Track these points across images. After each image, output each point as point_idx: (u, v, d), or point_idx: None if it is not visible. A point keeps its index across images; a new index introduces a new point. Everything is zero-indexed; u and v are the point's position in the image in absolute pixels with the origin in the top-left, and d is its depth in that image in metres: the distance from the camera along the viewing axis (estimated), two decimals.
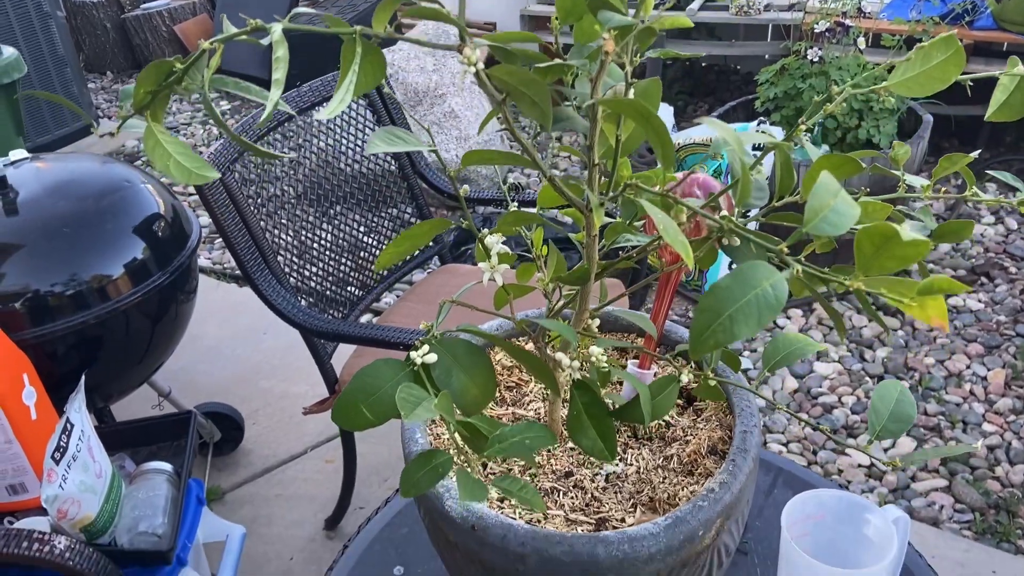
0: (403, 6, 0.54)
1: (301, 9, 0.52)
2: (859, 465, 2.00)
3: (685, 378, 0.60)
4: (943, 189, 0.65)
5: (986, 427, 2.08)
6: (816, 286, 0.41)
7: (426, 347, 0.59)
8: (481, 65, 0.51)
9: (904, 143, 0.64)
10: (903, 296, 0.34)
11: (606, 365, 0.55)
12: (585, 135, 0.55)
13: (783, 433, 2.12)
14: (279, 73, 0.46)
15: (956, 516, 1.85)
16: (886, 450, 2.03)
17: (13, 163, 1.52)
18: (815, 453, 2.06)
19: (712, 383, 0.63)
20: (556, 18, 0.61)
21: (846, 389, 2.23)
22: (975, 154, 0.62)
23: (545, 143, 3.66)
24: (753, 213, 0.63)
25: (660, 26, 0.58)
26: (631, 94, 0.54)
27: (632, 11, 0.54)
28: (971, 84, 0.52)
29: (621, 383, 0.85)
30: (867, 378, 2.26)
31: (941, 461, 1.99)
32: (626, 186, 0.50)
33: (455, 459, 0.55)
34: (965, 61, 0.48)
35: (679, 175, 0.67)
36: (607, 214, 0.67)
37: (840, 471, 1.99)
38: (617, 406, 0.65)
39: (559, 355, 0.56)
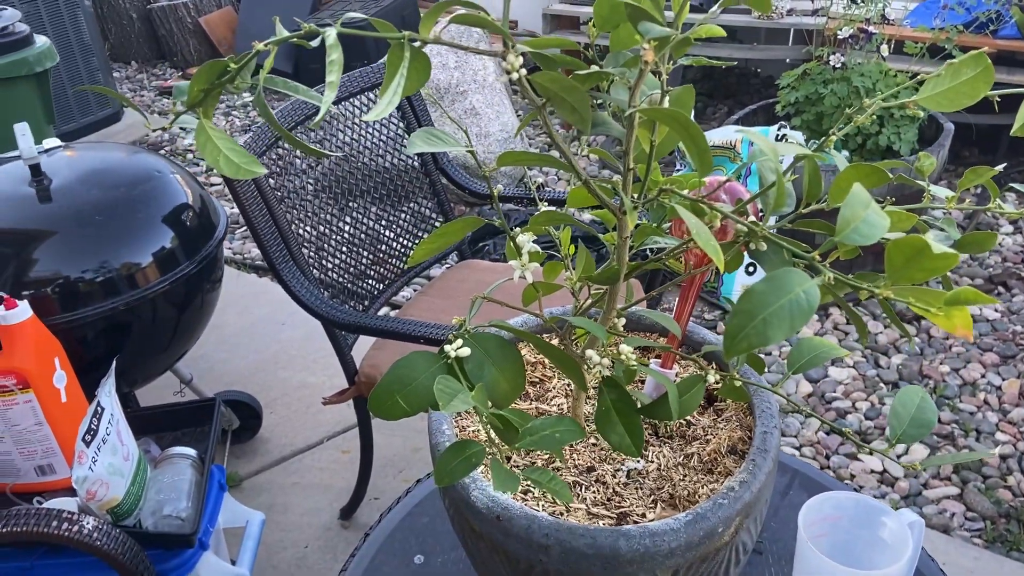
0: (446, 13, 0.55)
1: (355, 15, 0.54)
2: (872, 471, 2.01)
3: (712, 378, 0.62)
4: (966, 199, 0.67)
5: (999, 436, 2.08)
6: (840, 292, 0.43)
7: (460, 341, 0.61)
8: (524, 71, 0.53)
9: (927, 152, 0.65)
10: (930, 305, 0.35)
11: (636, 363, 0.57)
12: (620, 140, 0.57)
13: (796, 437, 2.13)
14: (333, 75, 0.48)
15: (967, 524, 1.86)
16: (899, 457, 2.04)
17: (47, 151, 1.55)
18: (828, 458, 2.07)
19: (738, 384, 0.65)
20: (593, 24, 0.63)
21: (860, 395, 2.24)
22: (1000, 167, 0.63)
23: (571, 144, 3.68)
24: (774, 220, 0.65)
25: (696, 35, 0.60)
26: (666, 102, 0.55)
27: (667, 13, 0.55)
28: (999, 100, 0.54)
29: (643, 381, 0.86)
30: (881, 384, 2.27)
31: (954, 469, 2.00)
32: (661, 191, 0.52)
33: (488, 450, 0.57)
34: (994, 77, 0.50)
35: (707, 179, 0.68)
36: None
37: (852, 476, 2.00)
38: (641, 404, 0.67)
39: (589, 352, 0.58)
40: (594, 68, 0.54)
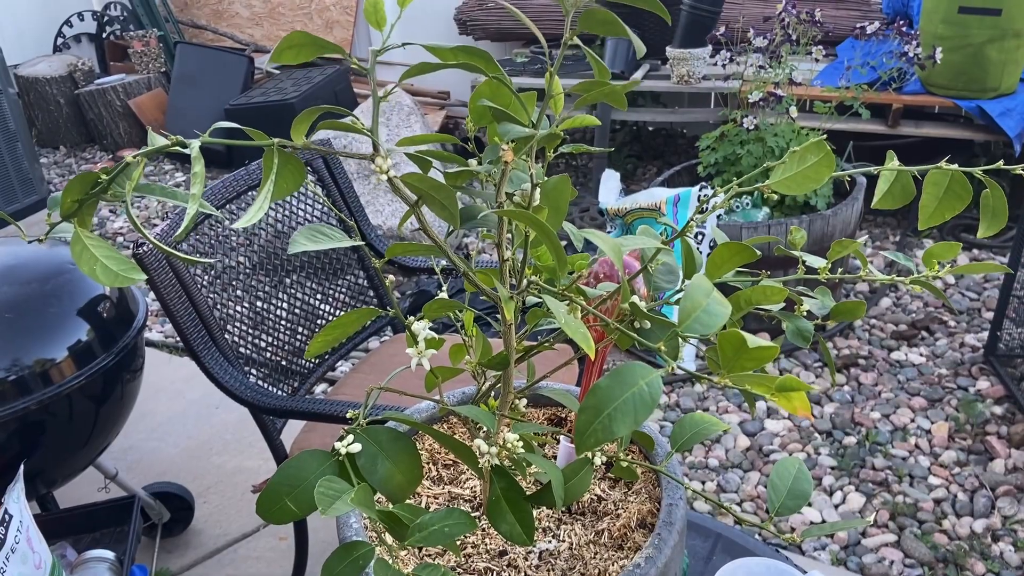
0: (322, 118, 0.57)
1: (223, 124, 0.55)
2: (811, 523, 2.03)
3: (598, 460, 0.62)
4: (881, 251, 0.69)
5: (932, 480, 2.12)
6: (696, 379, 0.44)
7: (350, 437, 0.61)
8: (393, 172, 0.55)
9: (799, 229, 0.68)
10: (765, 391, 0.37)
11: (522, 451, 0.58)
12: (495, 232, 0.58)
13: (736, 492, 2.14)
14: (196, 187, 0.49)
15: (906, 571, 1.88)
16: (837, 506, 2.06)
17: None
18: (768, 512, 2.08)
19: (624, 464, 0.66)
20: (469, 120, 0.65)
21: (796, 446, 2.27)
22: (861, 240, 0.66)
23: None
24: (669, 295, 0.67)
25: (567, 126, 0.62)
26: (537, 194, 0.57)
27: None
28: (850, 180, 0.57)
29: (555, 457, 0.87)
30: (816, 434, 2.31)
31: (890, 516, 2.03)
32: (529, 283, 0.53)
33: (378, 550, 0.57)
34: (834, 164, 0.53)
35: (593, 258, 0.70)
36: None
37: (792, 528, 2.02)
38: (541, 485, 0.67)
39: (477, 442, 0.59)
40: (464, 168, 0.56)
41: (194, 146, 0.50)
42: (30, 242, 0.57)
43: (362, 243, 0.67)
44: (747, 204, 2.59)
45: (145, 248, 1.42)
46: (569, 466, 0.62)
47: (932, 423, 2.32)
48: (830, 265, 0.68)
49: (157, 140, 0.57)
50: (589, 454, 0.61)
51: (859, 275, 0.67)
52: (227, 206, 1.70)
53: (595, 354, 0.81)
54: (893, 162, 0.61)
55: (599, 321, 0.57)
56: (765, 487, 2.16)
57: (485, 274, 0.61)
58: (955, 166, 0.61)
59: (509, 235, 0.62)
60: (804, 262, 0.69)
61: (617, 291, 0.61)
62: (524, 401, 0.74)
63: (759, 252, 0.60)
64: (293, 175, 0.55)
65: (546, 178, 0.62)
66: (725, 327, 0.44)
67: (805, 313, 0.65)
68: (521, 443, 0.57)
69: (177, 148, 0.56)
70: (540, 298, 0.52)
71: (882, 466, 2.17)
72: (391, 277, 0.70)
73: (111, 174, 0.56)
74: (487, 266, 1.86)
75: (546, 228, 0.46)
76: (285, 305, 1.76)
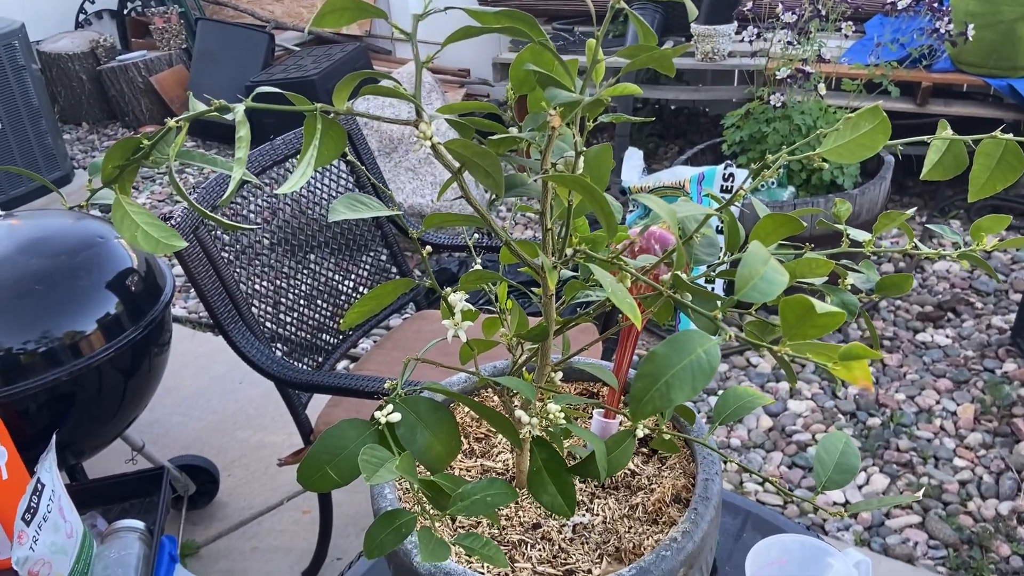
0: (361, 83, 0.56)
1: (266, 88, 0.54)
2: (835, 503, 2.02)
3: (641, 432, 0.62)
4: (884, 241, 0.68)
5: (957, 462, 2.10)
6: (753, 346, 0.43)
7: (390, 407, 0.61)
8: (437, 139, 0.54)
9: (844, 201, 0.67)
10: (827, 360, 0.36)
11: (563, 422, 0.57)
12: (539, 201, 0.57)
13: (759, 472, 2.13)
14: (241, 152, 0.48)
15: (930, 552, 1.87)
16: (860, 487, 2.05)
17: None
18: (791, 491, 2.08)
19: (667, 437, 0.65)
20: (510, 88, 0.64)
21: (819, 427, 2.26)
22: (911, 211, 0.65)
23: (513, 202, 3.71)
24: (710, 268, 0.66)
25: (610, 94, 0.61)
26: (581, 161, 0.56)
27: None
28: (901, 149, 0.55)
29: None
30: (840, 415, 2.29)
31: None
32: (576, 251, 0.53)
33: (420, 516, 0.57)
34: (890, 129, 0.51)
35: (633, 232, 0.69)
36: (574, 268, 0.69)
37: (816, 509, 2.01)
38: (580, 458, 0.67)
39: (519, 412, 0.58)
40: (508, 134, 0.55)
41: (238, 110, 0.49)
42: (71, 208, 0.56)
43: (398, 213, 0.66)
44: (772, 183, 2.56)
45: (174, 221, 1.42)
46: (611, 438, 0.61)
47: (958, 405, 2.30)
48: (876, 238, 0.67)
49: (198, 106, 0.56)
50: (633, 425, 0.61)
51: (906, 248, 0.66)
52: (245, 186, 1.70)
53: (631, 330, 0.81)
54: (946, 131, 0.60)
55: (638, 294, 0.57)
56: (788, 467, 2.15)
57: (527, 244, 0.60)
58: (1010, 135, 0.59)
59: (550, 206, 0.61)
60: (848, 235, 0.68)
61: (659, 263, 0.61)
62: (560, 374, 0.74)
63: (804, 223, 0.59)
64: (335, 141, 0.55)
65: (586, 148, 0.61)
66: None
67: (850, 287, 0.64)
68: (563, 414, 0.57)
69: (214, 117, 0.56)
70: (587, 266, 0.52)
71: (907, 448, 2.16)
72: (427, 248, 0.70)
73: (152, 140, 0.55)
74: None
75: (596, 192, 0.45)
76: (308, 282, 1.76)
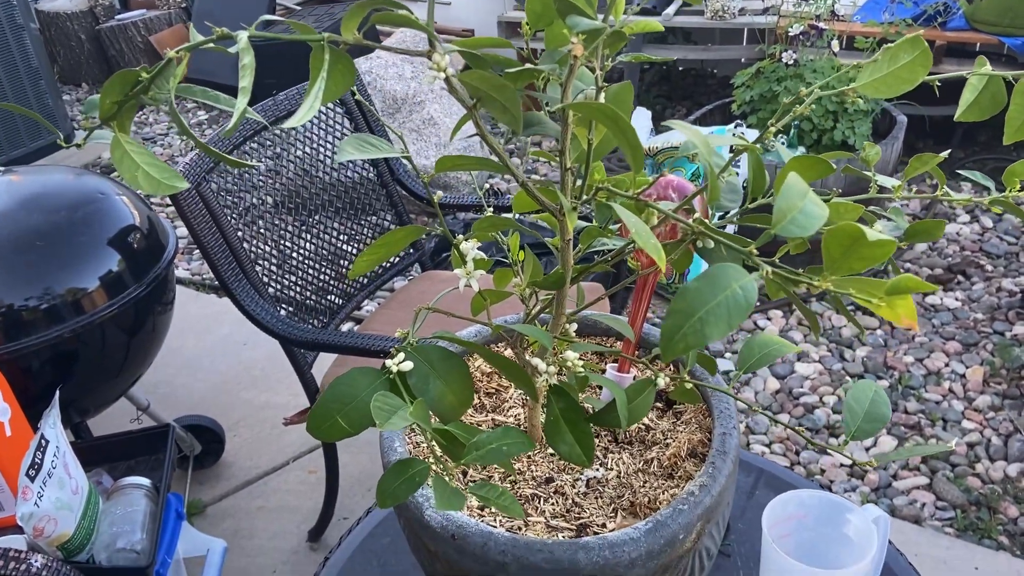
0: (373, 11, 0.53)
1: (271, 17, 0.51)
2: (841, 465, 2.01)
3: (662, 382, 0.60)
4: (915, 189, 0.66)
5: (965, 424, 2.09)
6: (788, 287, 0.41)
7: (401, 355, 0.59)
8: (451, 70, 0.51)
9: (876, 144, 0.64)
10: (872, 296, 0.34)
11: (582, 370, 0.55)
12: (557, 139, 0.55)
13: (766, 434, 2.13)
14: (246, 80, 0.46)
15: (938, 513, 1.86)
16: (868, 449, 2.04)
17: None
18: (797, 453, 2.07)
19: (689, 386, 0.63)
20: (527, 23, 0.61)
21: (827, 389, 2.24)
22: (945, 154, 0.62)
23: (523, 148, 3.67)
24: (731, 215, 0.63)
25: (631, 31, 0.58)
26: (602, 98, 0.54)
27: (602, 15, 0.54)
28: (939, 84, 0.53)
29: (600, 387, 0.84)
30: (847, 377, 2.28)
31: (922, 459, 2.01)
32: (598, 190, 0.50)
33: (433, 467, 0.55)
34: (932, 61, 0.49)
35: (652, 177, 0.67)
36: (583, 218, 0.67)
37: (823, 471, 2.00)
38: (595, 410, 0.65)
39: (535, 360, 0.56)
40: (526, 66, 0.52)
41: (242, 37, 0.47)
42: (67, 147, 0.54)
43: (407, 155, 0.63)
44: (783, 142, 2.52)
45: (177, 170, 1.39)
46: (632, 386, 0.59)
47: (967, 367, 2.28)
48: (905, 183, 0.64)
49: (197, 36, 0.53)
50: (653, 375, 0.59)
51: (936, 194, 0.63)
52: (255, 138, 1.67)
53: (647, 280, 0.78)
54: (985, 67, 0.57)
55: (671, 235, 0.54)
56: (794, 430, 2.14)
57: (543, 189, 0.58)
58: None
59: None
60: (876, 181, 0.65)
61: (681, 206, 0.58)
62: (575, 326, 0.72)
63: (834, 166, 0.57)
64: (343, 75, 0.52)
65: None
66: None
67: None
68: (581, 361, 0.55)
69: (219, 48, 0.53)
70: (605, 209, 0.49)
71: (915, 410, 2.15)
72: (439, 193, 0.67)
73: (151, 73, 0.53)
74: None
75: (622, 120, 0.42)
76: (309, 244, 1.74)
